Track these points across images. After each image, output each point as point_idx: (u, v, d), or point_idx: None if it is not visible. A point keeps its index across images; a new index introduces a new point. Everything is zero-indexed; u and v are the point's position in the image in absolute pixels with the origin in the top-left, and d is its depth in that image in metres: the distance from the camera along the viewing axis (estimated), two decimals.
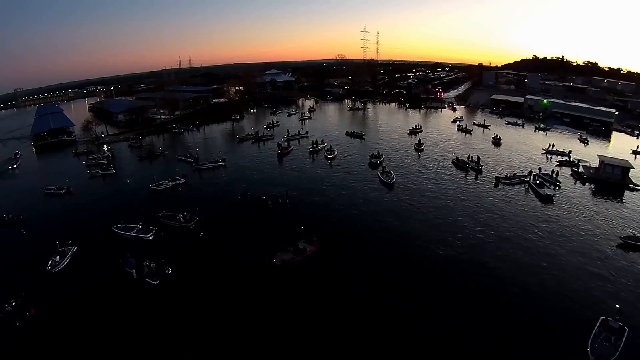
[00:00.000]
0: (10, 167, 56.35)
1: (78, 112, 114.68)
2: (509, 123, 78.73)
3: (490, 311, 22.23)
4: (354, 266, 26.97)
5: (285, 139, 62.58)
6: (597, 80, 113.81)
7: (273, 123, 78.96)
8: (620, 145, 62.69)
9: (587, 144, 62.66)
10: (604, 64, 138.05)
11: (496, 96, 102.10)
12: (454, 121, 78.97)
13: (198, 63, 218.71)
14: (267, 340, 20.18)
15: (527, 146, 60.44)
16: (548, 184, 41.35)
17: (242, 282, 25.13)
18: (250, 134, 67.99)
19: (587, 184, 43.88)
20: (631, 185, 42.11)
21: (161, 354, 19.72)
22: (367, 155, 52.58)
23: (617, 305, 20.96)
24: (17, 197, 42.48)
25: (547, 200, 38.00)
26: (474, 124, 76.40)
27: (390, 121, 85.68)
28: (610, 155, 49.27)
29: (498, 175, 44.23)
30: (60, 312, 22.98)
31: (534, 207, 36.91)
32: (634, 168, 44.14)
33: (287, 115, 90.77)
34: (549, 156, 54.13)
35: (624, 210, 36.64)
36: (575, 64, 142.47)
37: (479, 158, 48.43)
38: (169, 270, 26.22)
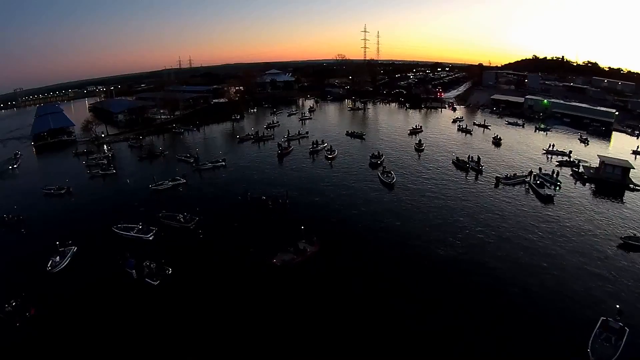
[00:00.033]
0: (10, 167, 56.35)
1: (78, 112, 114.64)
2: (509, 123, 78.72)
3: (490, 311, 22.22)
4: (354, 266, 26.96)
5: (286, 139, 62.55)
6: (597, 80, 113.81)
7: (273, 123, 78.93)
8: (620, 146, 62.70)
9: (588, 144, 62.65)
10: (604, 64, 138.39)
11: (496, 96, 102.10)
12: (454, 121, 78.96)
13: (198, 63, 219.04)
14: (267, 340, 20.17)
15: (527, 146, 60.43)
16: (548, 184, 41.35)
17: (242, 282, 25.12)
18: (250, 134, 67.97)
19: (587, 184, 43.86)
20: (631, 186, 42.08)
21: (161, 354, 19.71)
22: (367, 156, 52.56)
23: (617, 306, 20.93)
24: (17, 197, 42.48)
25: (548, 200, 37.98)
26: (474, 124, 76.39)
27: (391, 121, 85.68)
28: (610, 156, 49.24)
29: (498, 175, 44.22)
30: (60, 312, 22.97)
31: (534, 207, 36.90)
32: (634, 168, 44.12)
33: (287, 116, 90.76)
34: (549, 156, 54.12)
35: (624, 210, 36.62)
36: (575, 64, 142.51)
37: (479, 158, 48.43)
38: (169, 271, 26.20)
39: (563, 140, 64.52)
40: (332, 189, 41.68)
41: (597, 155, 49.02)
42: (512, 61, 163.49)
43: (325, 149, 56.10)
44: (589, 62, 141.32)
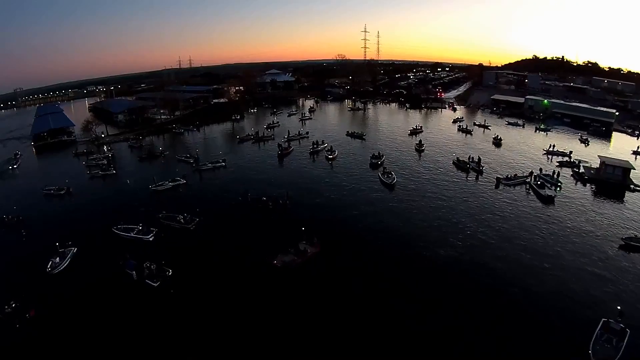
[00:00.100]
0: (10, 167, 56.33)
1: (78, 112, 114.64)
2: (510, 123, 78.71)
3: (490, 311, 22.24)
4: (354, 266, 26.97)
5: (286, 139, 62.51)
6: (597, 81, 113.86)
7: (273, 123, 78.89)
8: (620, 146, 62.69)
9: (588, 145, 62.62)
10: (604, 64, 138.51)
11: (496, 96, 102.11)
12: (455, 121, 78.96)
13: (198, 63, 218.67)
14: (267, 340, 20.15)
15: (527, 147, 60.41)
16: (549, 185, 41.32)
17: (243, 283, 25.09)
18: (250, 134, 67.95)
19: (587, 184, 43.82)
20: (632, 186, 42.05)
21: (162, 355, 19.69)
22: (367, 156, 52.55)
23: (618, 307, 20.89)
24: (17, 198, 42.44)
25: (548, 201, 37.95)
26: (475, 124, 76.41)
27: (391, 121, 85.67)
28: (610, 156, 49.22)
29: (499, 175, 44.19)
30: (60, 313, 22.95)
31: (535, 207, 36.87)
32: (634, 169, 44.10)
33: (288, 116, 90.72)
34: (550, 157, 54.09)
35: (625, 211, 36.60)
36: (575, 64, 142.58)
37: (479, 158, 48.42)
38: (169, 272, 26.16)
39: (563, 140, 64.50)
40: (333, 189, 41.65)
41: (598, 155, 49.03)
42: (512, 61, 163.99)
43: (326, 149, 56.07)
44: (589, 62, 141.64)
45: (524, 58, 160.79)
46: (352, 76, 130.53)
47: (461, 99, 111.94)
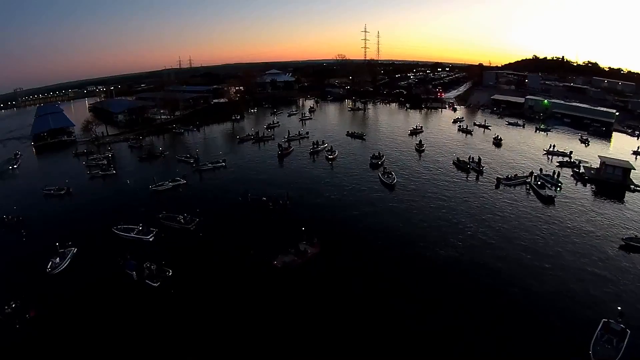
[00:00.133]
0: (10, 167, 56.33)
1: (78, 112, 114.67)
2: (510, 123, 78.69)
3: (490, 311, 22.23)
4: (354, 266, 26.96)
5: (286, 139, 62.51)
6: (597, 81, 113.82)
7: (273, 123, 78.88)
8: (620, 146, 62.67)
9: (588, 145, 62.61)
10: (604, 64, 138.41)
11: (496, 96, 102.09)
12: (455, 121, 78.96)
13: (198, 63, 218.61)
14: (268, 341, 20.14)
15: (527, 147, 60.40)
16: (549, 185, 41.29)
17: (243, 284, 25.08)
18: (250, 134, 67.94)
19: (588, 184, 43.81)
20: (632, 186, 42.03)
21: (162, 355, 19.68)
22: (367, 156, 52.53)
23: (619, 308, 20.89)
24: (17, 198, 42.43)
25: (548, 201, 37.94)
26: (475, 124, 76.42)
27: (391, 121, 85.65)
28: (611, 156, 49.21)
29: (499, 176, 44.18)
30: (60, 313, 22.93)
31: (535, 208, 36.85)
32: (634, 169, 44.08)
33: (288, 116, 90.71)
34: (550, 157, 54.08)
35: (625, 211, 36.58)
36: (575, 64, 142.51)
37: (480, 159, 48.41)
38: (169, 273, 26.15)
39: (563, 140, 64.49)
40: (333, 189, 41.63)
41: (598, 155, 49.01)
42: (512, 61, 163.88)
43: (326, 149, 56.05)
44: (589, 62, 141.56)
45: (524, 58, 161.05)
46: (352, 76, 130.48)
47: (461, 99, 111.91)
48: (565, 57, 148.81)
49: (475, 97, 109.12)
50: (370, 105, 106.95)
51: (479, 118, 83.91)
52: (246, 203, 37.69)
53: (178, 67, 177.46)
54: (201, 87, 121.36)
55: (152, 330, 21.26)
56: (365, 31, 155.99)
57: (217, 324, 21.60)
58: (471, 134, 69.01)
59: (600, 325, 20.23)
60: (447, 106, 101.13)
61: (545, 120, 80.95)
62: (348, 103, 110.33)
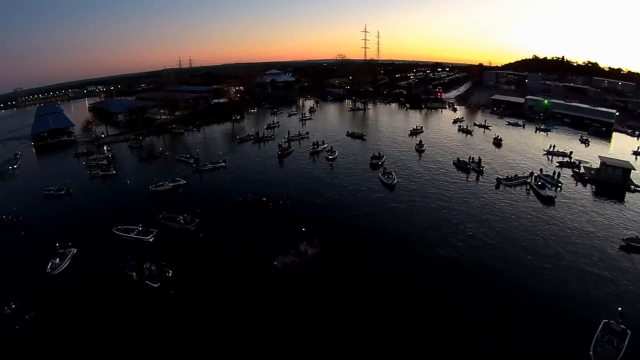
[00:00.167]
0: (10, 168, 56.30)
1: (78, 112, 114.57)
2: (510, 123, 78.67)
3: (490, 311, 22.22)
4: (354, 266, 26.95)
5: (286, 139, 62.50)
6: (597, 81, 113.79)
7: (273, 123, 78.85)
8: (621, 146, 62.67)
9: (588, 145, 62.60)
10: (604, 64, 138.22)
11: (497, 96, 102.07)
12: (455, 122, 78.95)
13: (198, 63, 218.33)
14: (268, 341, 20.12)
15: (528, 147, 60.39)
16: (549, 185, 41.27)
17: (243, 284, 25.06)
18: (250, 134, 67.92)
19: (588, 185, 43.80)
20: (632, 187, 42.02)
21: (162, 355, 19.66)
22: (367, 156, 52.51)
23: (619, 308, 20.88)
24: (17, 198, 42.43)
25: (549, 201, 37.92)
26: (475, 124, 76.41)
27: (391, 122, 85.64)
28: (611, 156, 49.20)
29: (499, 176, 44.15)
30: (60, 314, 22.91)
31: (535, 208, 36.83)
32: (635, 169, 44.06)
33: (288, 116, 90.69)
34: (550, 157, 54.06)
35: (625, 211, 36.57)
36: (575, 64, 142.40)
37: (480, 159, 48.40)
38: (169, 273, 26.12)
39: (564, 140, 64.47)
40: (333, 189, 41.60)
41: (598, 156, 49.01)
42: (512, 61, 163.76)
43: (326, 149, 56.03)
44: (589, 62, 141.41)
45: (524, 58, 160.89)
46: (352, 76, 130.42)
47: (461, 99, 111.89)
48: (565, 57, 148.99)
49: (475, 97, 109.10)
50: (370, 106, 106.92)
51: (479, 118, 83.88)
52: (246, 203, 37.67)
53: (178, 67, 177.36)
54: (201, 87, 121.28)
55: (152, 330, 21.24)
56: (365, 31, 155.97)
57: (217, 324, 21.58)
58: (471, 134, 68.98)
59: (601, 325, 20.22)
60: (447, 106, 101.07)
61: (546, 120, 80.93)
62: (348, 103, 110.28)
